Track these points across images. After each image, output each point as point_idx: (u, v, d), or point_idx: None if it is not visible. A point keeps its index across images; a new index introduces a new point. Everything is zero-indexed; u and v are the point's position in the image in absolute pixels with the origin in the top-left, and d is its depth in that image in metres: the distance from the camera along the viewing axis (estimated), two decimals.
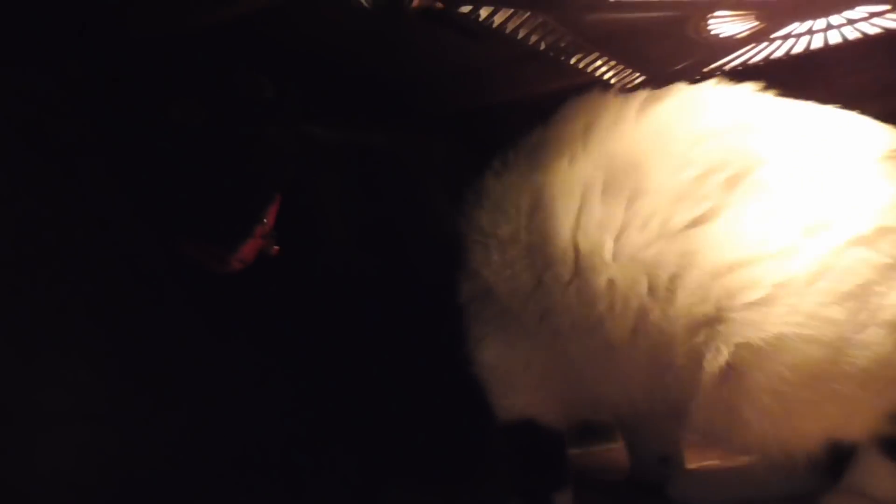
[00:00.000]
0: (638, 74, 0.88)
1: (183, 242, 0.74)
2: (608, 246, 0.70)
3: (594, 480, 0.93)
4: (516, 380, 0.79)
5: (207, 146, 0.69)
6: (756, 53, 0.86)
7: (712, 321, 0.66)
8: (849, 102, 0.72)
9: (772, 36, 0.81)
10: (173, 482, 0.82)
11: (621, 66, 0.86)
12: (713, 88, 0.76)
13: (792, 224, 0.66)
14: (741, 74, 0.77)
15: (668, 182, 0.69)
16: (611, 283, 0.70)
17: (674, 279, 0.68)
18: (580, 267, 0.72)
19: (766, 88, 0.74)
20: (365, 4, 0.63)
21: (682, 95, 0.76)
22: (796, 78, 0.78)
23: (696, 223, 0.68)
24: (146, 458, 0.80)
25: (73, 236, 0.78)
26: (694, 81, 0.77)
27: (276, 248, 0.73)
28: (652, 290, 0.69)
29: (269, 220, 0.73)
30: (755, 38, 0.81)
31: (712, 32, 0.79)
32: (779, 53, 0.86)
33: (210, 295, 0.80)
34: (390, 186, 0.84)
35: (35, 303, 0.74)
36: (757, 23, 0.77)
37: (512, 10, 0.70)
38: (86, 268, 0.78)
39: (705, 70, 0.88)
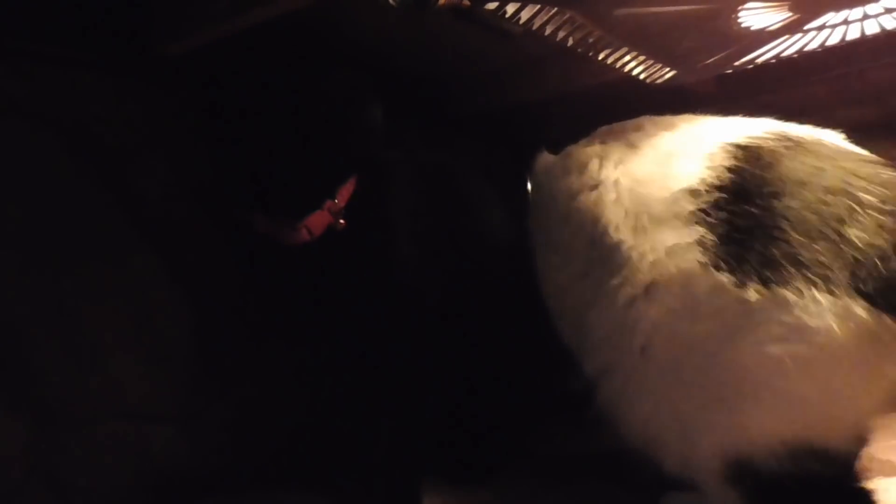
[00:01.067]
0: (668, 69, 0.87)
1: (258, 217, 0.80)
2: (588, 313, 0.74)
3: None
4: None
5: (293, 129, 0.76)
6: (789, 46, 0.84)
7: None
8: (881, 96, 0.70)
9: (805, 27, 0.79)
10: (217, 479, 0.84)
11: (651, 61, 0.85)
12: (710, 124, 0.75)
13: None
14: (772, 67, 0.76)
15: (629, 241, 0.70)
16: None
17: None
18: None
19: (796, 82, 0.73)
20: (392, 2, 0.63)
21: (671, 140, 0.75)
22: (828, 71, 0.76)
23: (636, 300, 0.69)
24: (191, 456, 0.82)
25: (123, 238, 0.80)
26: (725, 75, 0.76)
27: (342, 221, 0.80)
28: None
29: (339, 200, 0.80)
30: (788, 29, 0.79)
31: (743, 25, 0.77)
32: (813, 45, 0.85)
33: (270, 288, 0.87)
34: (455, 197, 0.93)
35: (82, 303, 0.76)
36: (790, 14, 0.75)
37: (539, 6, 0.70)
38: (136, 267, 0.81)
39: (736, 64, 0.87)
